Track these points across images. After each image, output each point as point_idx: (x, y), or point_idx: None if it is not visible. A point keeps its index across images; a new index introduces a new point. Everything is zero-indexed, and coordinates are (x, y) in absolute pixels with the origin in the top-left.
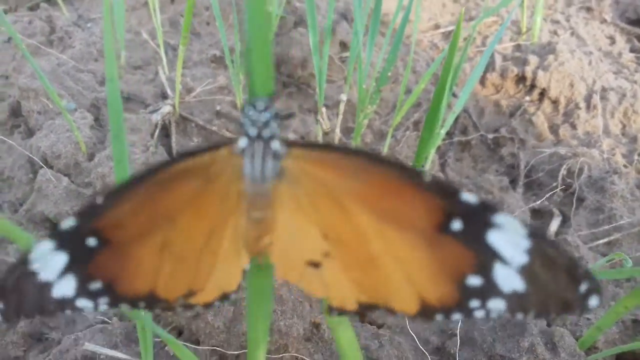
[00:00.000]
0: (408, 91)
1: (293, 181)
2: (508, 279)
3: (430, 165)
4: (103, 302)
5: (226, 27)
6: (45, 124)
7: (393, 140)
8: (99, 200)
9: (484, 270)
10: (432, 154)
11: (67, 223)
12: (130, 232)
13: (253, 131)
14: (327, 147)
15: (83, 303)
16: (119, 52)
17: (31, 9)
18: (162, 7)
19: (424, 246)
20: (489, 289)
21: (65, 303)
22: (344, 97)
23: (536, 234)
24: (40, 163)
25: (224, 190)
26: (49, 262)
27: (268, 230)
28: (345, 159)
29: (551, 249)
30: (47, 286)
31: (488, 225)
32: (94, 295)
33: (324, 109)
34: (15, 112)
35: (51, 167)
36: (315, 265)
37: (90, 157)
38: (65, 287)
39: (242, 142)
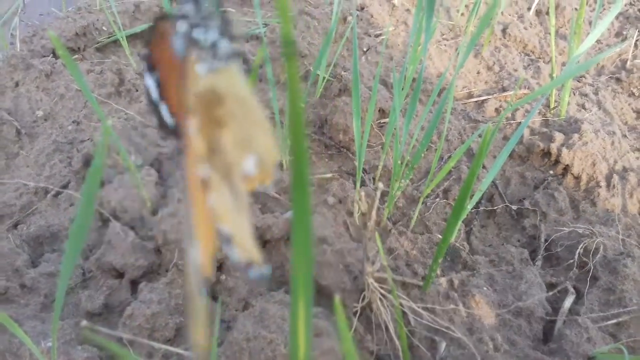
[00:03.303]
0: (440, 158)
1: None
2: None
3: (457, 233)
4: None
5: (277, 87)
6: (115, 178)
7: (423, 206)
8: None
9: None
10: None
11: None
12: None
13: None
14: None
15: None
16: None
17: (98, 49)
18: None
19: None
20: None
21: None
22: (378, 191)
23: None
24: (110, 217)
25: None
26: None
27: None
28: None
29: None
30: None
31: None
32: None
33: (362, 193)
34: (88, 163)
35: (118, 219)
36: None
37: (154, 212)
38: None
39: None
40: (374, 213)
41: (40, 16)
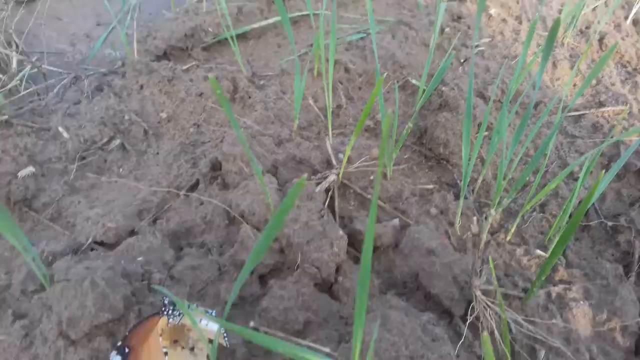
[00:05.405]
0: (536, 171)
1: None
2: None
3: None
4: None
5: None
6: (241, 184)
7: (520, 219)
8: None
9: None
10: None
11: (119, 343)
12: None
13: None
14: None
15: None
16: (294, 119)
17: (204, 49)
18: (320, 72)
19: None
20: None
21: None
22: (490, 217)
23: None
24: (242, 220)
25: None
26: None
27: None
28: None
29: None
30: None
31: None
32: None
33: (475, 218)
34: (215, 167)
35: (247, 221)
36: None
37: None
38: None
39: None
40: (484, 235)
41: (150, 15)
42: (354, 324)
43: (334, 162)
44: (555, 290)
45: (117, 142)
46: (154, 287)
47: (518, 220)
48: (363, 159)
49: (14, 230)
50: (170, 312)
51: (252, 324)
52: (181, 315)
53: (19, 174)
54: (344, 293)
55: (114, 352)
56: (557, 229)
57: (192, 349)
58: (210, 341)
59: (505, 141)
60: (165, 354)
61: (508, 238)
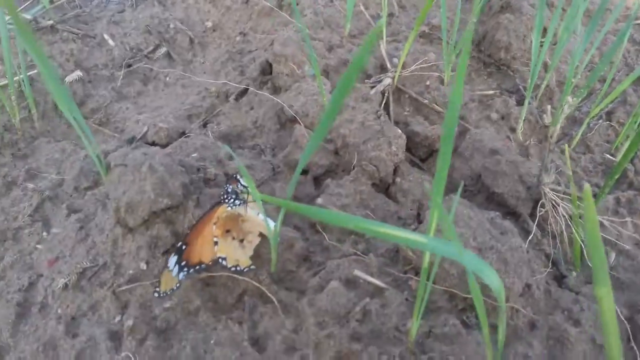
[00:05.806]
0: (602, 80)
1: None
2: None
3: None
4: (185, 272)
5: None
6: (293, 86)
7: (586, 127)
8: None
9: None
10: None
11: (179, 244)
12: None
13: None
14: None
15: (180, 276)
16: (345, 25)
17: None
18: None
19: None
20: None
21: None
22: (566, 105)
23: None
24: (295, 116)
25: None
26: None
27: None
28: None
29: None
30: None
31: None
32: (182, 269)
33: (549, 107)
34: (264, 71)
35: (299, 123)
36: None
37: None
38: (174, 270)
39: None
40: (558, 126)
41: None
42: (432, 206)
43: (389, 66)
44: (625, 195)
45: (162, 50)
46: (232, 157)
47: (583, 127)
48: (419, 62)
49: (79, 119)
50: (231, 200)
51: (319, 200)
52: (241, 205)
53: (66, 79)
54: (401, 194)
55: (172, 254)
56: (624, 138)
57: (241, 241)
58: (263, 235)
59: (579, 33)
60: (216, 243)
61: (573, 146)
